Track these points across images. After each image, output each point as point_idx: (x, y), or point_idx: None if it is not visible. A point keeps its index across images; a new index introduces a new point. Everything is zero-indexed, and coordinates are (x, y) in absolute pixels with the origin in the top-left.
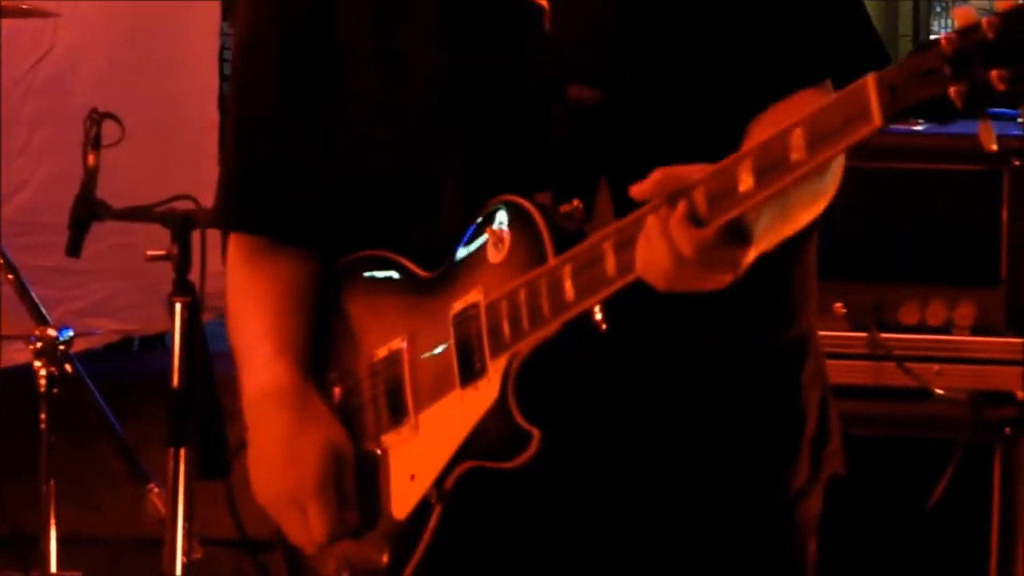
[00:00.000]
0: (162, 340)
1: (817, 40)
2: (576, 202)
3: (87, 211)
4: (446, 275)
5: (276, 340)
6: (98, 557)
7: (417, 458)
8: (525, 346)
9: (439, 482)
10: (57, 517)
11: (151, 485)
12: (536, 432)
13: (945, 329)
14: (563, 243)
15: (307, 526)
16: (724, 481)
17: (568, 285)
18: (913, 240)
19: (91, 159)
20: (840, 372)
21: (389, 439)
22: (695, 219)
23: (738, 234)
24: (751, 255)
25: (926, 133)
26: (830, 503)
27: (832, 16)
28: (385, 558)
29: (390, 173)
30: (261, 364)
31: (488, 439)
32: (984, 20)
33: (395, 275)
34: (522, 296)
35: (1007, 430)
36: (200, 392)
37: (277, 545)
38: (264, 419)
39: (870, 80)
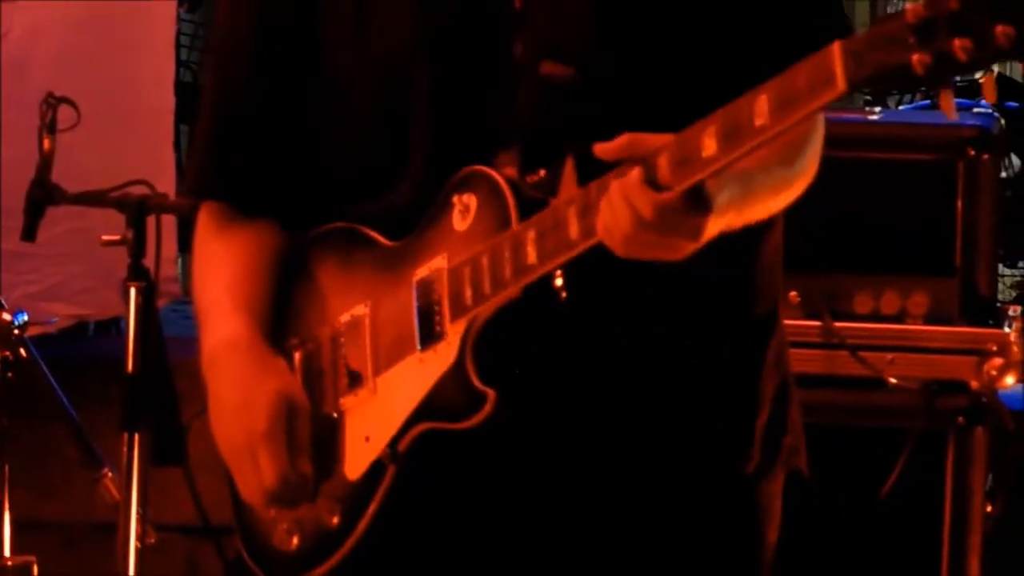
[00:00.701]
0: (117, 325)
1: (794, 38)
2: (542, 172)
3: (42, 195)
4: (411, 244)
5: (236, 298)
6: (52, 541)
7: (373, 420)
8: (485, 310)
9: (393, 443)
10: (11, 501)
11: (105, 470)
12: (491, 393)
13: (899, 318)
14: (528, 211)
15: (258, 474)
16: (675, 452)
17: (530, 249)
18: (867, 229)
19: (47, 143)
20: (794, 360)
21: (347, 402)
22: (657, 184)
23: (700, 201)
24: (711, 226)
25: (881, 123)
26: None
27: (810, 12)
28: (336, 520)
29: (359, 145)
30: (220, 319)
31: (444, 401)
32: None
33: (361, 246)
34: (484, 261)
35: (960, 419)
36: (154, 377)
37: (234, 516)
38: (221, 369)
39: (835, 47)
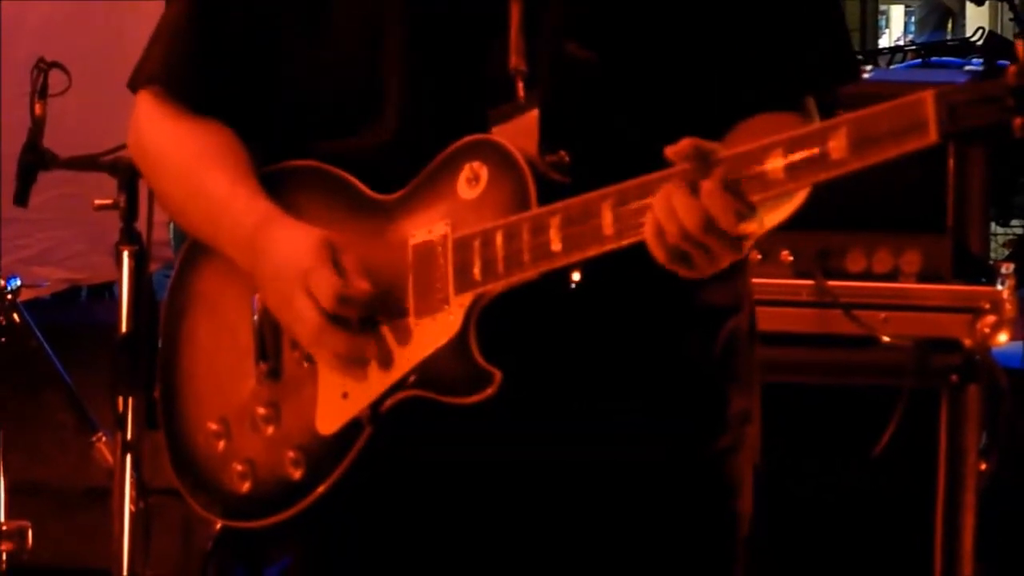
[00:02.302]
0: (109, 289)
1: (811, 60)
2: (563, 153)
3: (34, 160)
4: (404, 202)
5: (250, 185)
6: (47, 506)
7: (353, 377)
8: (495, 288)
9: (375, 405)
10: (5, 466)
11: (99, 434)
12: (498, 374)
13: (891, 276)
14: (547, 193)
15: (312, 305)
16: (652, 431)
17: (554, 235)
18: (859, 187)
19: (38, 108)
20: (786, 320)
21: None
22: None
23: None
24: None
25: (872, 81)
26: (774, 453)
27: (824, 32)
28: (299, 473)
29: (336, 68)
30: (246, 206)
31: (442, 372)
32: None
33: (343, 193)
34: (499, 238)
35: (953, 377)
36: (147, 341)
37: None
38: (265, 243)
39: (928, 96)
